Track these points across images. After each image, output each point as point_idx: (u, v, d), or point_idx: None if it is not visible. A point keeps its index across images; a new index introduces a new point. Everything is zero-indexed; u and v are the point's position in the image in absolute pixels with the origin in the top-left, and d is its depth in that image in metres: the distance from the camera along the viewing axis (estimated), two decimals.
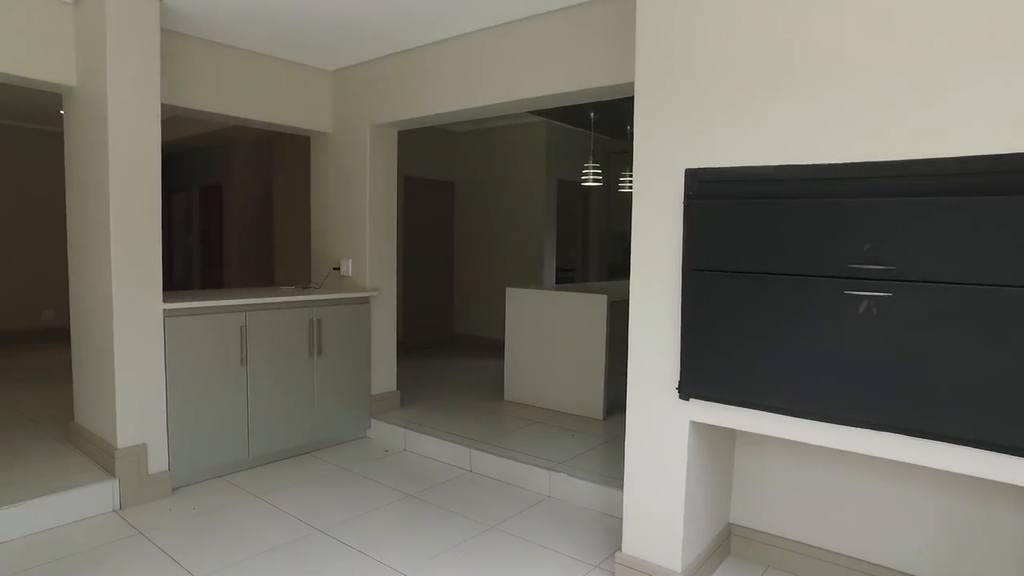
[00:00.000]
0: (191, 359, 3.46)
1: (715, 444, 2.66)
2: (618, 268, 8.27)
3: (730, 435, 2.80)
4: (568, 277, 7.86)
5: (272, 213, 7.82)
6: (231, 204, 8.48)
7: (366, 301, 4.36)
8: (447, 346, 7.53)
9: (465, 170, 7.60)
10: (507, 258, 7.26)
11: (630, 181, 5.88)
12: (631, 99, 2.62)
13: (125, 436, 3.27)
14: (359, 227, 4.45)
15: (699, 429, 2.49)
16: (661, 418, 2.49)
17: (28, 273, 7.86)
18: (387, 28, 3.77)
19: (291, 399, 3.95)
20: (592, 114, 5.14)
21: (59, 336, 8.06)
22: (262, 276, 8.55)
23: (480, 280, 7.50)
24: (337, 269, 4.56)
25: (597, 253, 8.09)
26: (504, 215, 7.27)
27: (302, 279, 7.16)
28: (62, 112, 7.26)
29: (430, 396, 5.11)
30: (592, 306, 4.55)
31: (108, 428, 3.34)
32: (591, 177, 5.19)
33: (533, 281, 6.98)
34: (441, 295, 7.55)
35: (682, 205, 2.39)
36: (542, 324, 4.81)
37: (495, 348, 7.19)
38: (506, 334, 5.04)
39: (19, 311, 7.82)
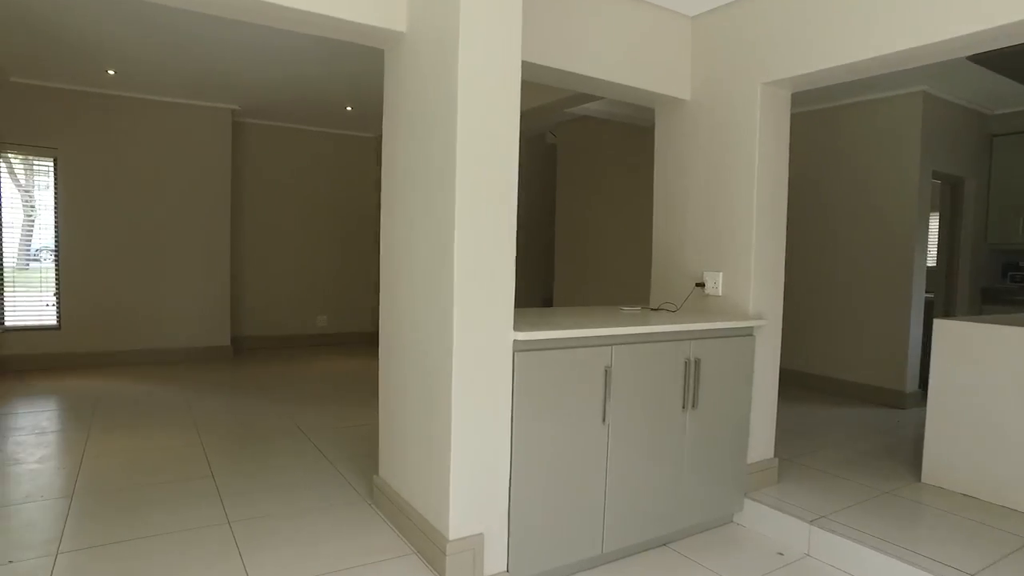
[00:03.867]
0: (542, 413, 2.38)
1: None
2: (995, 294, 6.13)
3: None
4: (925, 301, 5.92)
5: (552, 219, 6.89)
6: None
7: (749, 333, 3.05)
8: None
9: (793, 159, 6.01)
10: (851, 274, 5.55)
11: None
12: None
13: (460, 523, 2.26)
14: (738, 228, 3.15)
15: None
16: None
17: (304, 279, 7.77)
18: None
19: (656, 470, 2.75)
20: None
21: (332, 342, 7.91)
22: (536, 292, 7.69)
23: (808, 303, 5.86)
24: (700, 286, 3.30)
25: (967, 272, 6.03)
26: (848, 218, 5.57)
27: (587, 296, 6.11)
28: (349, 108, 7.05)
29: (805, 464, 3.65)
30: None
31: (433, 507, 2.37)
32: None
33: (897, 306, 5.20)
34: None
35: None
36: (1005, 376, 3.12)
37: (829, 390, 5.50)
38: (930, 386, 3.42)
39: (296, 317, 7.75)
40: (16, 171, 5.97)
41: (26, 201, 6.02)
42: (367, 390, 5.41)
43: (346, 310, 8.04)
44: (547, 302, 7.41)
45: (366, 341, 8.08)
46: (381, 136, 7.72)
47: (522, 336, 2.27)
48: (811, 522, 2.86)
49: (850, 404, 5.21)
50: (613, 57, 3.16)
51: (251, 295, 7.45)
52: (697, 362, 2.80)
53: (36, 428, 4.07)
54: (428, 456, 2.42)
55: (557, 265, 6.60)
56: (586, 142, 6.22)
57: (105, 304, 6.27)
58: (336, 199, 7.89)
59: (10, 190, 5.91)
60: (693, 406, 2.82)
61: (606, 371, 2.50)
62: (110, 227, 6.26)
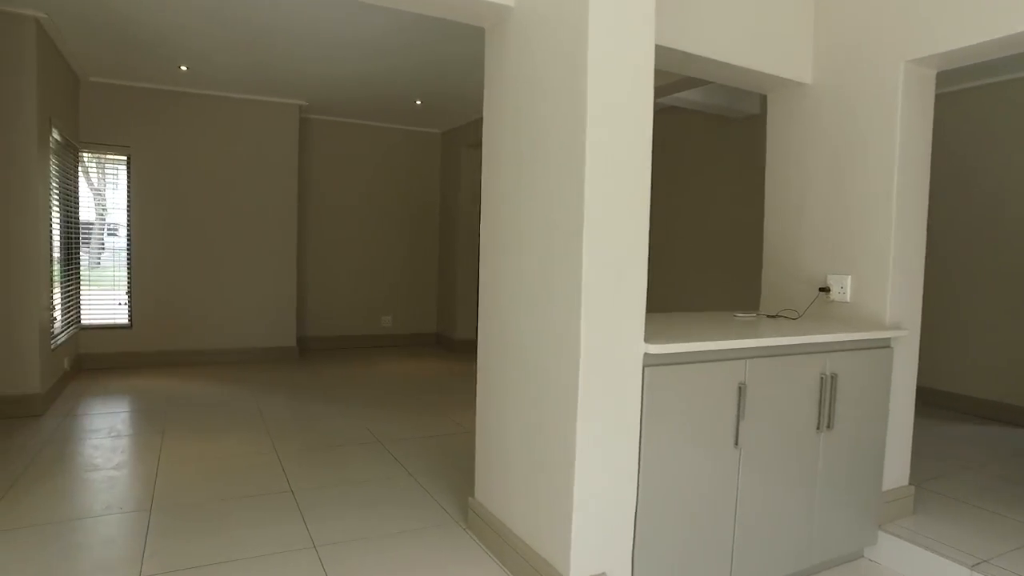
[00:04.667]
0: (671, 436, 2.10)
1: None
2: None
3: None
4: None
5: None
6: None
7: (887, 344, 2.69)
8: None
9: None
10: (970, 276, 5.06)
11: None
12: None
13: (581, 561, 1.99)
14: (872, 227, 2.79)
15: None
16: None
17: (369, 279, 7.63)
18: None
19: (788, 500, 2.43)
20: None
21: (397, 343, 7.76)
22: None
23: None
24: (825, 291, 2.96)
25: None
26: (970, 215, 5.09)
27: (671, 299, 5.76)
28: (418, 102, 6.86)
29: (938, 492, 3.25)
30: None
31: (548, 541, 2.11)
32: None
33: None
34: None
35: None
36: None
37: (942, 404, 5.02)
38: None
39: (360, 317, 7.62)
40: (90, 171, 5.98)
41: (98, 201, 6.02)
42: (438, 394, 5.21)
43: (411, 310, 7.88)
44: None
45: (431, 342, 7.91)
46: (447, 132, 7.50)
47: (653, 349, 1.99)
48: (973, 567, 2.49)
49: (970, 421, 4.74)
50: (729, 36, 2.84)
51: (316, 295, 7.35)
52: (834, 377, 2.47)
53: (112, 431, 3.98)
54: (539, 483, 2.16)
55: None
56: (667, 136, 5.89)
57: (174, 304, 6.23)
58: (402, 196, 7.74)
59: (84, 190, 5.91)
60: (828, 427, 2.49)
61: (739, 388, 2.20)
62: (179, 226, 6.22)
